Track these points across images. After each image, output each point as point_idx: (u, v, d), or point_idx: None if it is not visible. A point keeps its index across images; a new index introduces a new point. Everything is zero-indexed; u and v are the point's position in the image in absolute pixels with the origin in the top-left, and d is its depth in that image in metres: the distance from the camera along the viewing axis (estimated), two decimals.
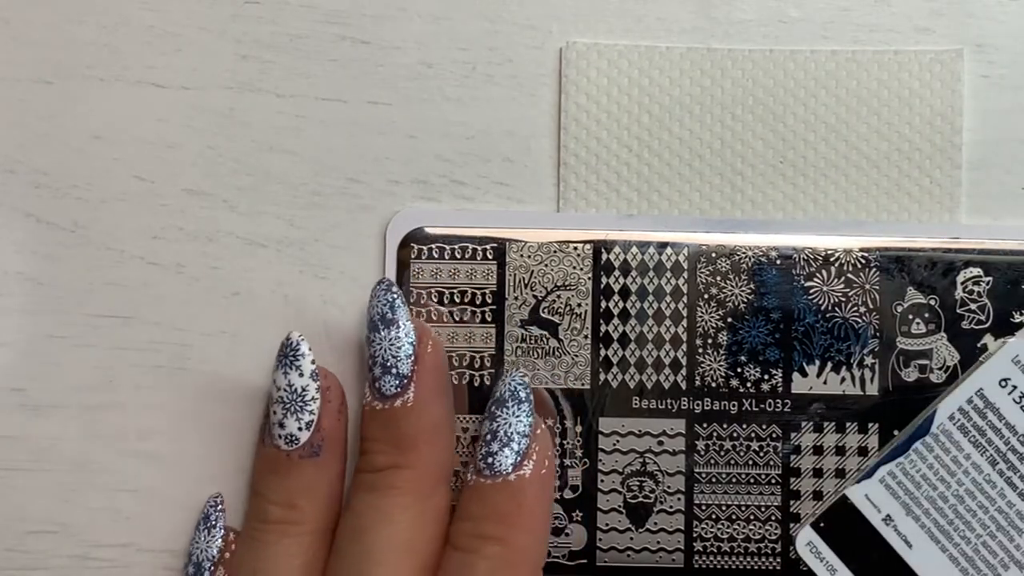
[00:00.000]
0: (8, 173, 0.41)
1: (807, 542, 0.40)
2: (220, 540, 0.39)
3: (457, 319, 0.40)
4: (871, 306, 0.40)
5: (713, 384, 0.40)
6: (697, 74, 0.40)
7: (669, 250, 0.40)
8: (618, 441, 0.40)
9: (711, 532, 0.40)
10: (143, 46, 0.41)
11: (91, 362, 0.40)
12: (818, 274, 0.40)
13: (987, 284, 0.40)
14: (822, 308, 0.40)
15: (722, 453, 0.40)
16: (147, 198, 0.41)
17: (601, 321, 0.40)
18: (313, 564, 0.38)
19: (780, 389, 0.40)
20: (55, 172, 0.41)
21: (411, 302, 0.40)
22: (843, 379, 0.40)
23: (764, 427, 0.40)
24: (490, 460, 0.37)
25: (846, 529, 0.39)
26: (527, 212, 0.40)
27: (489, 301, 0.40)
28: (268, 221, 0.41)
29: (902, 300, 0.40)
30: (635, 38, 0.41)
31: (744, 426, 0.40)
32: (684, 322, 0.40)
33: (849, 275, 0.40)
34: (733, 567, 0.40)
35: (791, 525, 0.40)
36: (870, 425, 0.40)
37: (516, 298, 0.40)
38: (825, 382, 0.40)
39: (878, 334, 0.40)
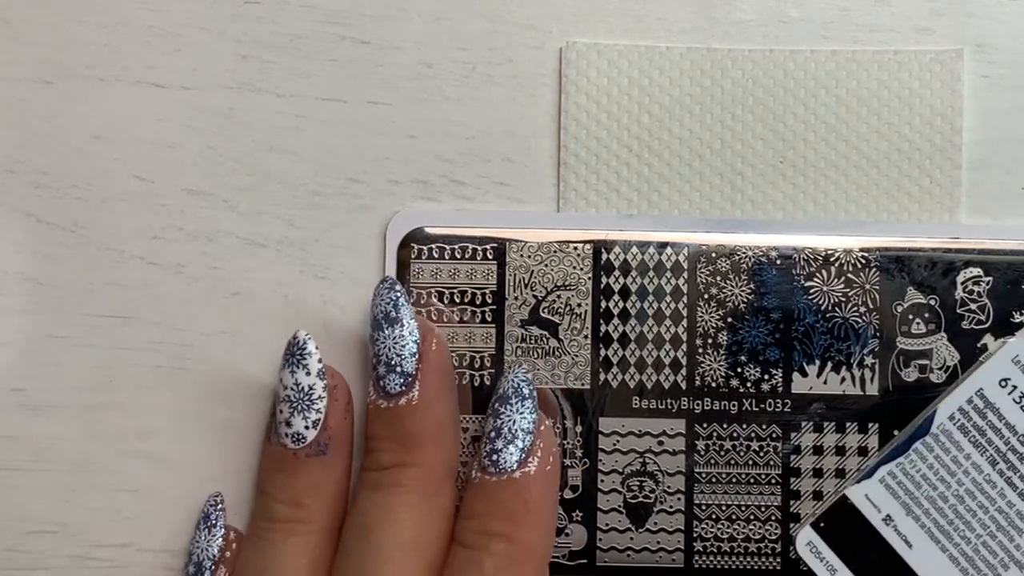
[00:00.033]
0: (8, 173, 0.41)
1: (807, 542, 0.40)
2: (221, 539, 0.39)
3: (457, 319, 0.40)
4: (871, 306, 0.40)
5: (713, 384, 0.40)
6: (697, 74, 0.40)
7: (669, 250, 0.40)
8: (618, 441, 0.40)
9: (711, 532, 0.40)
10: (143, 46, 0.41)
11: (91, 362, 0.40)
12: (818, 274, 0.40)
13: (987, 284, 0.40)
14: (822, 308, 0.40)
15: (722, 453, 0.40)
16: (147, 198, 0.41)
17: (601, 321, 0.40)
18: (320, 562, 0.38)
19: (780, 389, 0.40)
20: (55, 172, 0.41)
21: (411, 302, 0.40)
22: (843, 379, 0.40)
23: (764, 427, 0.40)
24: (495, 457, 0.37)
25: (846, 529, 0.39)
26: (527, 212, 0.40)
27: (489, 301, 0.40)
28: (268, 221, 0.41)
29: (902, 300, 0.40)
30: (635, 38, 0.41)
31: (744, 426, 0.40)
32: (684, 322, 0.40)
33: (849, 275, 0.40)
34: (733, 567, 0.40)
35: (791, 525, 0.40)
36: (870, 425, 0.40)
37: (516, 298, 0.40)
38: (825, 382, 0.40)
39: (878, 334, 0.40)
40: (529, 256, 0.40)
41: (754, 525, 0.40)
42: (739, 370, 0.40)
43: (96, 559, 0.40)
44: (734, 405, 0.40)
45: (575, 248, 0.40)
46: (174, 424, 0.40)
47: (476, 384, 0.40)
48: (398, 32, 0.41)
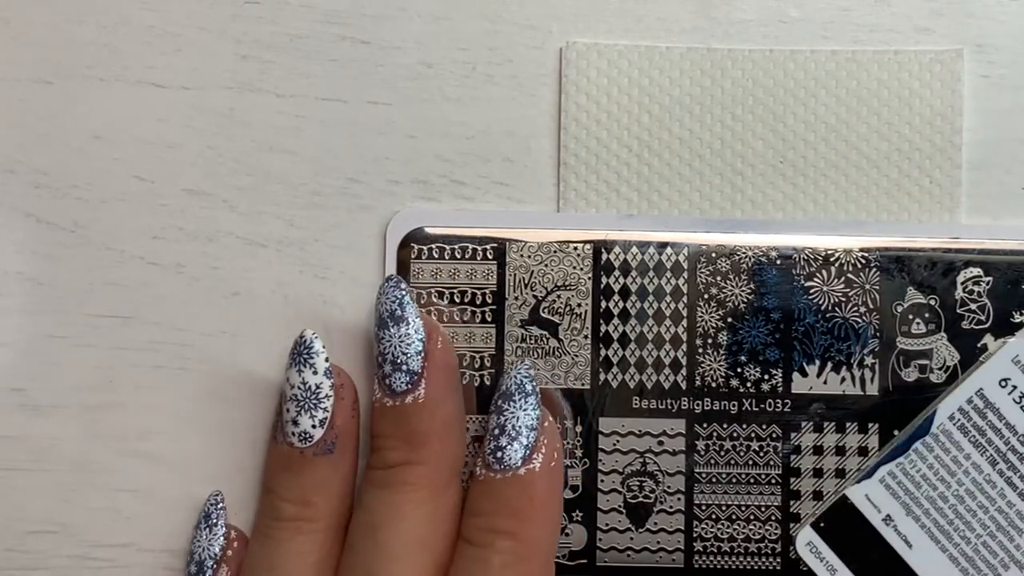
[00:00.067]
0: (8, 173, 0.41)
1: (807, 542, 0.40)
2: (222, 538, 0.39)
3: (457, 319, 0.40)
4: (871, 306, 0.40)
5: (713, 384, 0.40)
6: (697, 74, 0.40)
7: (669, 250, 0.40)
8: (618, 441, 0.40)
9: (711, 532, 0.40)
10: (143, 46, 0.41)
11: (91, 362, 0.40)
12: (818, 274, 0.40)
13: (987, 284, 0.40)
14: (822, 308, 0.40)
15: (722, 453, 0.40)
16: (147, 198, 0.41)
17: (601, 321, 0.40)
18: (326, 561, 0.38)
19: (780, 389, 0.40)
20: (55, 172, 0.41)
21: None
22: (843, 379, 0.40)
23: (764, 427, 0.40)
24: (499, 454, 0.37)
25: (846, 529, 0.39)
26: (527, 212, 0.40)
27: (489, 301, 0.40)
28: (268, 221, 0.41)
29: (902, 300, 0.40)
30: (635, 38, 0.41)
31: (744, 426, 0.40)
32: (684, 322, 0.40)
33: (849, 275, 0.40)
34: (733, 567, 0.40)
35: (791, 525, 0.40)
36: (870, 425, 0.40)
37: (516, 298, 0.40)
38: (825, 382, 0.40)
39: (878, 334, 0.40)
40: (529, 256, 0.40)
41: (754, 525, 0.40)
42: (739, 370, 0.40)
43: (96, 559, 0.40)
44: (734, 405, 0.40)
45: (575, 248, 0.40)
46: (174, 424, 0.40)
47: (476, 384, 0.40)
48: (398, 32, 0.41)
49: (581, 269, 0.40)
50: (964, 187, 0.40)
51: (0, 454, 0.40)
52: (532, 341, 0.40)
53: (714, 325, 0.40)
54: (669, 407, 0.40)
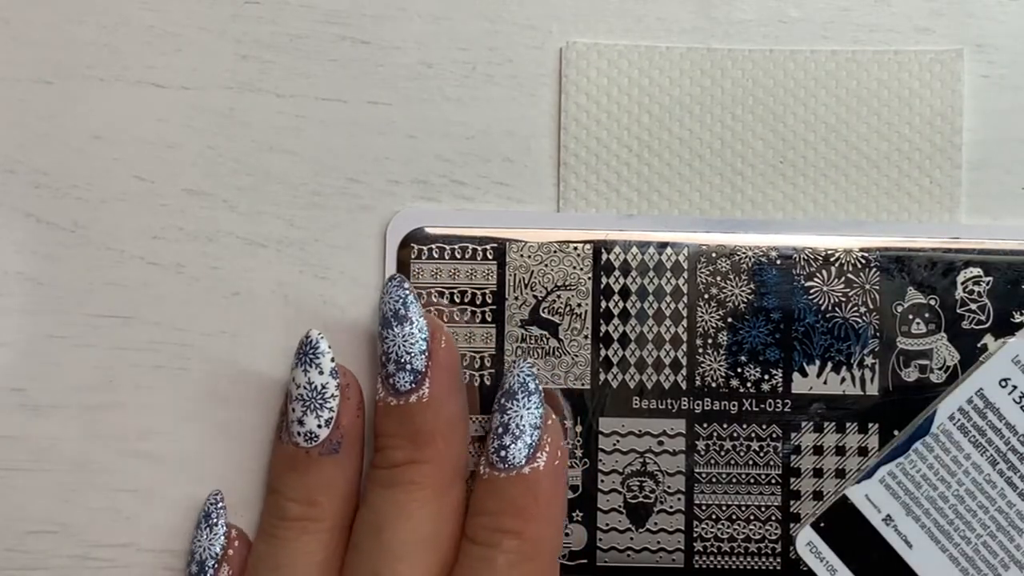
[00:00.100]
0: (8, 173, 0.41)
1: (807, 542, 0.40)
2: (223, 538, 0.39)
3: (457, 319, 0.40)
4: (871, 306, 0.40)
5: (713, 384, 0.40)
6: (697, 74, 0.40)
7: (669, 250, 0.40)
8: (618, 441, 0.40)
9: (711, 532, 0.40)
10: (143, 46, 0.41)
11: (91, 362, 0.40)
12: (818, 274, 0.40)
13: (987, 284, 0.40)
14: (822, 308, 0.40)
15: (722, 453, 0.40)
16: (147, 198, 0.41)
17: (601, 321, 0.40)
18: (332, 561, 0.38)
19: (780, 389, 0.40)
20: (55, 172, 0.41)
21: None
22: (843, 379, 0.40)
23: (764, 427, 0.40)
24: (503, 453, 0.37)
25: (846, 529, 0.39)
26: (527, 212, 0.40)
27: (489, 301, 0.40)
28: (268, 221, 0.41)
29: (902, 300, 0.40)
30: (635, 38, 0.41)
31: (744, 426, 0.40)
32: (684, 322, 0.40)
33: (849, 275, 0.40)
34: (733, 567, 0.40)
35: (791, 525, 0.40)
36: (870, 425, 0.40)
37: (516, 298, 0.40)
38: (825, 382, 0.40)
39: (878, 334, 0.40)
40: (529, 256, 0.40)
41: (754, 525, 0.40)
42: (739, 370, 0.40)
43: (96, 559, 0.40)
44: (734, 405, 0.40)
45: (575, 248, 0.40)
46: (174, 424, 0.40)
47: (476, 384, 0.40)
48: (398, 32, 0.41)
49: (581, 269, 0.40)
50: (964, 187, 0.40)
51: (0, 454, 0.40)
52: (532, 341, 0.40)
53: (714, 325, 0.40)
54: (669, 407, 0.40)
